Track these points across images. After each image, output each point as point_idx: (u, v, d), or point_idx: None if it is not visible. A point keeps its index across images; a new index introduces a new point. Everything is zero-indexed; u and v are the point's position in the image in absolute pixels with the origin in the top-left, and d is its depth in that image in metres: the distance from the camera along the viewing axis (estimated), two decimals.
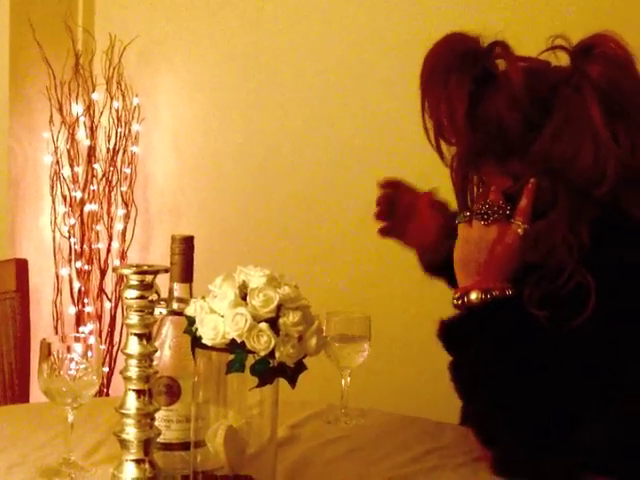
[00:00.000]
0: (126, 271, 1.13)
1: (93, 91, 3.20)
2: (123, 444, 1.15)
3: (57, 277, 3.20)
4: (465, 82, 1.33)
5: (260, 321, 1.07)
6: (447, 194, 1.56)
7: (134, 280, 1.13)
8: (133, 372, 1.14)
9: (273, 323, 1.08)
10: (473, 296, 1.34)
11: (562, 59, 1.37)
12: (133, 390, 1.14)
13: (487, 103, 1.33)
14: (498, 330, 1.31)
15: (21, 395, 2.17)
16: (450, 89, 1.34)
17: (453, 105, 1.33)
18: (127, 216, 3.23)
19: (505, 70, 1.33)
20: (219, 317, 1.08)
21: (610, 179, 1.28)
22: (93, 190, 3.21)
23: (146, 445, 1.15)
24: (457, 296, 1.36)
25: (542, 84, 1.33)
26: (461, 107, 1.33)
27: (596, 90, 1.29)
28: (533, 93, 1.31)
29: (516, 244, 1.33)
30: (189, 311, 1.13)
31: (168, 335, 1.26)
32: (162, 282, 1.18)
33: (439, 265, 1.58)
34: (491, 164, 1.37)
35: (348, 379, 1.58)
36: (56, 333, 3.14)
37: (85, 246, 3.20)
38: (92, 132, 3.20)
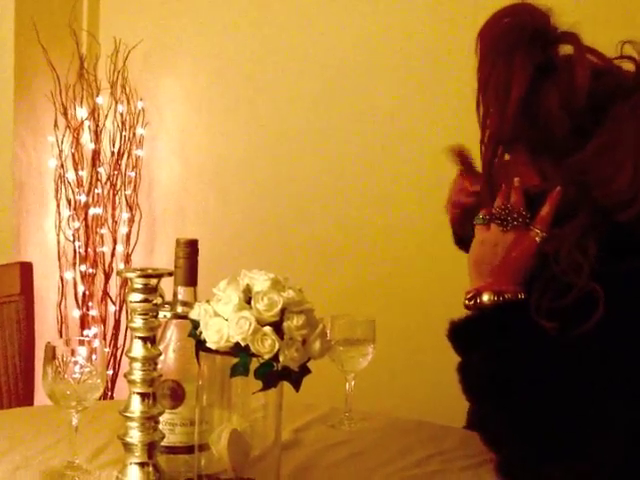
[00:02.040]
0: (130, 274, 1.14)
1: (97, 95, 3.21)
2: (127, 447, 1.15)
3: (62, 280, 3.20)
4: (529, 65, 1.28)
5: (264, 325, 1.07)
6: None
7: (138, 284, 1.13)
8: (137, 375, 1.14)
9: (277, 327, 1.08)
10: (485, 297, 1.33)
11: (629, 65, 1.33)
12: (137, 393, 1.15)
13: (542, 95, 1.28)
14: (509, 333, 1.31)
15: (26, 398, 2.17)
16: (512, 71, 1.29)
17: (510, 88, 1.29)
18: (131, 220, 3.23)
19: (570, 66, 1.29)
20: (223, 321, 1.08)
21: (638, 207, 1.26)
22: (97, 194, 3.22)
23: (150, 448, 1.15)
24: (469, 297, 1.35)
25: (600, 88, 1.29)
26: (518, 93, 1.28)
27: None
28: (591, 99, 1.28)
29: (532, 250, 1.32)
30: (193, 314, 1.13)
31: (172, 338, 1.26)
32: (166, 285, 1.18)
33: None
34: (522, 152, 1.35)
35: (352, 383, 1.58)
36: (60, 336, 3.14)
37: (89, 249, 3.21)
38: (96, 136, 3.21)
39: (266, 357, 1.07)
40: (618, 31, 1.35)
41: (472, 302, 1.35)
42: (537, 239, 1.32)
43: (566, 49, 1.32)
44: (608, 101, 1.28)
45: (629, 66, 1.33)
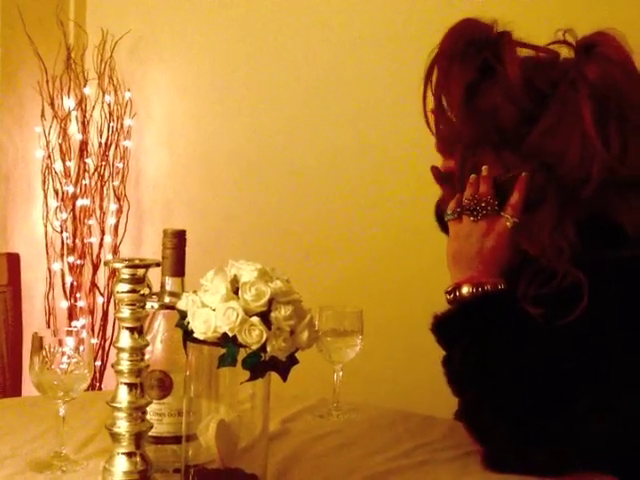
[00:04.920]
0: (118, 265, 1.13)
1: (85, 85, 3.20)
2: (115, 437, 1.15)
3: (49, 271, 3.20)
4: (466, 71, 1.33)
5: (252, 315, 1.07)
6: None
7: (126, 274, 1.13)
8: (125, 366, 1.14)
9: (265, 317, 1.08)
10: (465, 290, 1.34)
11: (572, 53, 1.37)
12: (125, 384, 1.14)
13: (485, 94, 1.33)
14: (490, 324, 1.31)
15: (13, 388, 2.17)
16: (450, 77, 1.34)
17: (451, 93, 1.34)
18: (119, 210, 3.22)
19: (504, 62, 1.33)
20: (211, 311, 1.08)
21: (595, 180, 1.28)
22: (85, 185, 3.21)
23: (137, 438, 1.15)
24: (449, 290, 1.37)
25: (543, 78, 1.33)
26: (458, 96, 1.33)
27: (591, 89, 1.29)
28: (531, 87, 1.32)
29: (505, 237, 1.34)
30: (181, 305, 1.13)
31: (160, 329, 1.26)
32: (154, 276, 1.18)
33: None
34: (487, 152, 1.38)
35: (340, 373, 1.59)
36: (48, 327, 3.13)
37: (77, 240, 3.20)
38: (84, 126, 3.20)
39: (254, 347, 1.07)
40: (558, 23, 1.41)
41: (452, 296, 1.36)
42: (508, 224, 1.34)
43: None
44: (550, 86, 1.33)
45: (568, 52, 1.37)
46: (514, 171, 1.35)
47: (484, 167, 1.37)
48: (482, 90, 1.34)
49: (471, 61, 1.34)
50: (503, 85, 1.32)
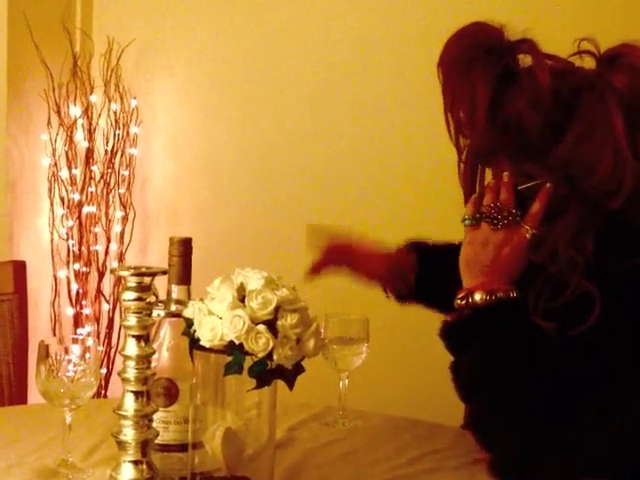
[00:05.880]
0: (124, 273, 1.14)
1: (91, 93, 3.21)
2: (121, 445, 1.15)
3: (55, 279, 3.20)
4: (488, 79, 1.30)
5: (258, 323, 1.08)
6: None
7: (132, 282, 1.13)
8: (131, 374, 1.14)
9: (271, 325, 1.08)
10: (477, 297, 1.33)
11: (587, 61, 1.35)
12: (131, 391, 1.14)
13: (508, 102, 1.30)
14: (502, 331, 1.31)
15: (19, 396, 2.17)
16: (473, 85, 1.31)
17: (475, 102, 1.31)
18: (125, 218, 3.23)
19: (531, 69, 1.31)
20: (217, 319, 1.08)
21: (626, 191, 1.26)
22: (91, 192, 3.21)
23: (144, 446, 1.15)
24: (461, 296, 1.35)
25: (565, 86, 1.30)
26: (483, 105, 1.30)
27: (620, 100, 1.27)
28: (556, 95, 1.29)
29: (523, 247, 1.32)
30: (187, 313, 1.13)
31: (166, 337, 1.26)
32: (160, 284, 1.18)
33: (407, 293, 1.66)
34: (503, 163, 1.35)
35: (346, 381, 1.59)
36: (54, 335, 3.14)
37: (83, 248, 3.20)
38: (90, 134, 3.21)
39: (260, 355, 1.07)
40: (572, 32, 1.38)
41: (464, 302, 1.35)
42: (527, 236, 1.33)
43: (526, 60, 1.34)
44: (575, 97, 1.30)
45: (588, 62, 1.35)
46: (535, 180, 1.33)
47: (505, 173, 1.34)
48: (505, 98, 1.30)
49: (492, 68, 1.30)
50: (529, 93, 1.28)
